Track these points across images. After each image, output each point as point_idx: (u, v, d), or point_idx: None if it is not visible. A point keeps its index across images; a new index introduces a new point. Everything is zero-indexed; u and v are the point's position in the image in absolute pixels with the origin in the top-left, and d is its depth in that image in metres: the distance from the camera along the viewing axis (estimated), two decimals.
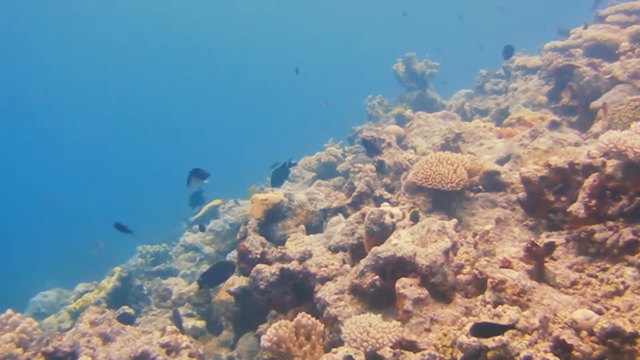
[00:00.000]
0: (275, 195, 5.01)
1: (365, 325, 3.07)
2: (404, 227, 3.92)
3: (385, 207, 4.28)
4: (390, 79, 10.55)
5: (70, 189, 33.95)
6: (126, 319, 5.96)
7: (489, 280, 3.13)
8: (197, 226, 9.71)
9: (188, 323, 6.22)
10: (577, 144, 5.37)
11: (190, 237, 8.25)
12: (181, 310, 6.66)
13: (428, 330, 3.22)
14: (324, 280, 4.13)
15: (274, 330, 3.55)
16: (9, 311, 5.84)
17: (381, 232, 3.96)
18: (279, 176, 5.36)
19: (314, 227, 5.18)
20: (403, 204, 4.55)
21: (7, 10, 35.98)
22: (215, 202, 9.93)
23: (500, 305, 2.93)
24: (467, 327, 2.83)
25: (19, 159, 39.11)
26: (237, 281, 5.67)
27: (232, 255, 6.84)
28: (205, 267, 7.62)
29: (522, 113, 7.10)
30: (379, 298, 3.63)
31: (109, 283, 7.78)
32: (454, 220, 3.92)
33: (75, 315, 7.45)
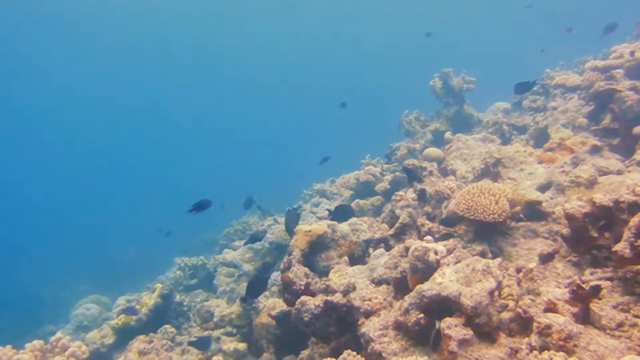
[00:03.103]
0: (319, 226, 5.07)
1: None
2: (448, 265, 3.95)
3: (428, 242, 4.31)
4: (426, 93, 10.53)
5: (101, 200, 34.85)
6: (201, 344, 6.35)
7: (535, 324, 3.15)
8: (236, 243, 9.92)
9: (230, 345, 6.35)
10: (619, 172, 5.33)
11: (230, 254, 8.39)
12: (221, 330, 6.82)
13: None
14: (367, 313, 4.19)
15: None
16: (59, 334, 6.03)
17: (425, 269, 4.00)
18: (292, 222, 5.90)
19: (356, 257, 5.23)
20: (447, 241, 4.57)
21: (5, 15, 36.77)
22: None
23: (546, 351, 2.96)
24: None
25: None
26: (278, 305, 5.78)
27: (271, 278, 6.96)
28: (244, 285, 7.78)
29: (562, 134, 7.05)
30: (423, 335, 3.67)
31: (150, 300, 7.95)
32: (499, 259, 3.94)
33: (118, 332, 7.64)
